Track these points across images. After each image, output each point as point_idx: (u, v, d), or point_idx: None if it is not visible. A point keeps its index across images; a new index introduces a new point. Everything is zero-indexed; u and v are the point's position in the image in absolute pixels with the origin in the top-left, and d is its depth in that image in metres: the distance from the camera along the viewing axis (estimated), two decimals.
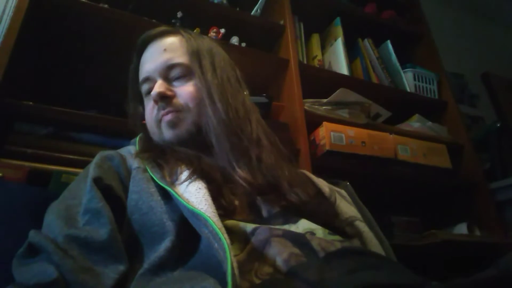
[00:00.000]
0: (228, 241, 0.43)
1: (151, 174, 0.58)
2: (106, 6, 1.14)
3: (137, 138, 0.71)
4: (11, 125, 0.93)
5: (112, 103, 1.11)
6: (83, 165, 0.65)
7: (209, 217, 0.46)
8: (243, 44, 1.38)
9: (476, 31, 2.77)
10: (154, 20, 1.18)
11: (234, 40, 1.37)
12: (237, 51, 1.28)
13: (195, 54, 0.69)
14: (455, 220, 1.37)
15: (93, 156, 0.63)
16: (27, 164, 0.86)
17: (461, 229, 1.32)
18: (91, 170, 0.57)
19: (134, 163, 0.61)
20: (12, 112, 0.94)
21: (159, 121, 0.68)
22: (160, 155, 0.63)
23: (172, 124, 0.66)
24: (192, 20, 1.27)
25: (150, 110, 0.69)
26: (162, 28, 0.74)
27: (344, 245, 0.51)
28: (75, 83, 1.23)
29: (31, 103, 0.95)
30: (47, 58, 1.18)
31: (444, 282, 0.33)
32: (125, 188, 0.58)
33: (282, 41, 1.43)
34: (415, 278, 0.40)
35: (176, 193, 0.52)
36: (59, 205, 0.56)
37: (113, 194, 0.56)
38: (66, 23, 1.11)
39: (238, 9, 1.46)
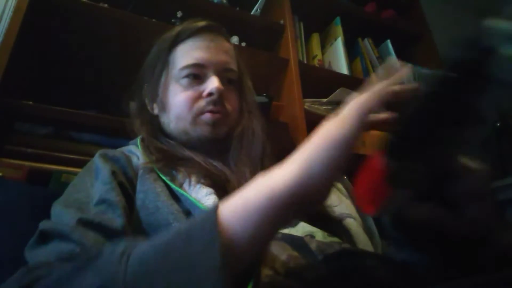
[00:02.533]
0: None
1: (159, 173, 0.57)
2: (106, 6, 1.14)
3: (138, 139, 0.68)
4: (11, 125, 0.93)
5: (112, 103, 1.11)
6: (83, 165, 0.64)
7: None
8: (243, 44, 1.38)
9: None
10: (154, 20, 1.18)
11: (234, 39, 1.36)
12: (237, 50, 1.28)
13: (241, 70, 0.73)
14: None
15: (92, 155, 0.62)
16: (27, 163, 0.86)
17: None
18: (102, 164, 0.57)
19: (140, 162, 0.61)
20: (12, 112, 0.94)
21: (199, 114, 0.65)
22: (167, 159, 0.62)
23: (214, 124, 0.65)
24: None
25: (189, 98, 0.65)
26: (214, 24, 0.71)
27: (343, 247, 0.51)
28: (75, 83, 1.23)
29: (31, 103, 0.95)
30: (47, 58, 1.18)
31: (444, 282, 0.33)
32: (133, 188, 0.57)
33: (282, 40, 1.43)
34: (414, 278, 0.40)
35: (185, 192, 0.52)
36: (65, 200, 0.54)
37: (125, 191, 0.55)
38: (66, 23, 1.11)
39: (238, 8, 1.46)
